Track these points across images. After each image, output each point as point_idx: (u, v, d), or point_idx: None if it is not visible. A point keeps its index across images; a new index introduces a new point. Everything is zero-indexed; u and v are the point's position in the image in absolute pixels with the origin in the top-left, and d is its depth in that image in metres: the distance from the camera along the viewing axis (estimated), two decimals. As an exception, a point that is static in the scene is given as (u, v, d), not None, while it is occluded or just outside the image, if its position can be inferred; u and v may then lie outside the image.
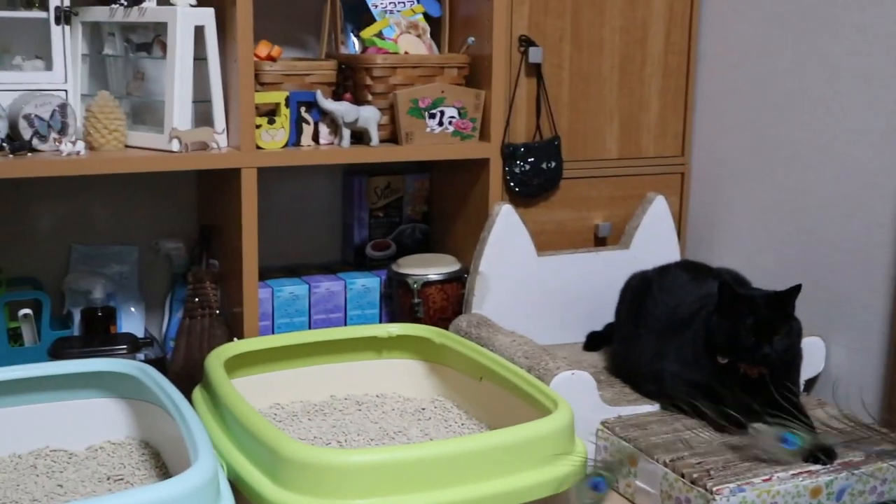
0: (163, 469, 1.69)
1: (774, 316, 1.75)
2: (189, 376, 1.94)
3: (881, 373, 1.91)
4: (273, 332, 2.13)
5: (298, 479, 1.42)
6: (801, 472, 1.62)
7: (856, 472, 1.65)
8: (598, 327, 2.19)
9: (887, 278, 1.90)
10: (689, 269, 1.98)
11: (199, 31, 1.88)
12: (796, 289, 1.76)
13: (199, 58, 1.90)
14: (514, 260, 2.10)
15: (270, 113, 1.97)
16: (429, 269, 2.15)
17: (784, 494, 1.59)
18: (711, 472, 1.60)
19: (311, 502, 1.40)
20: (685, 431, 1.76)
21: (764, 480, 1.59)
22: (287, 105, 1.97)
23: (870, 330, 1.94)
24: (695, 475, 1.59)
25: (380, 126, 2.06)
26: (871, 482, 1.67)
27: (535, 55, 2.12)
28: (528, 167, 2.15)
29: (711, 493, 1.55)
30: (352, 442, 1.80)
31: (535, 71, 2.14)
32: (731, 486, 1.56)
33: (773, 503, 1.59)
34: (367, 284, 2.22)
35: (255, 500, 1.46)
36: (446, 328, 2.05)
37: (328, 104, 2.00)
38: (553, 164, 2.17)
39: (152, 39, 1.94)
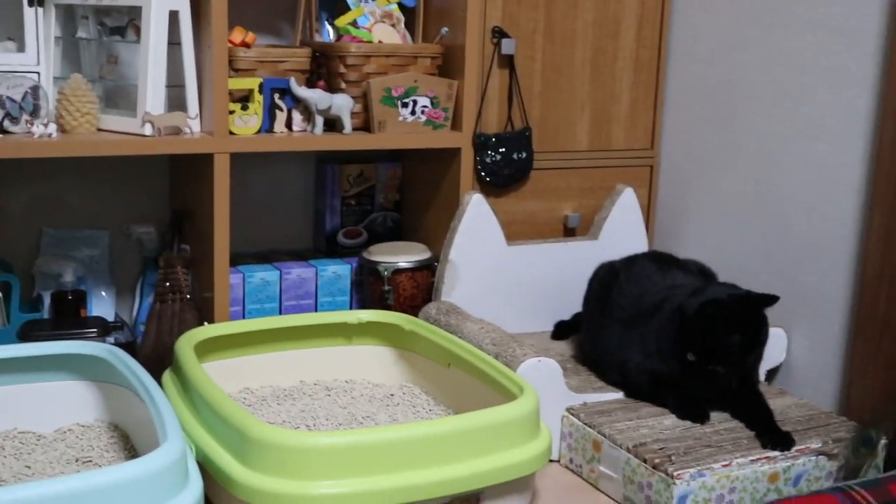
0: (132, 451, 1.70)
1: (756, 327, 1.77)
2: (159, 360, 1.95)
3: (840, 363, 1.95)
4: (244, 318, 2.14)
5: (266, 461, 1.43)
6: (759, 458, 1.65)
7: (812, 457, 1.69)
8: (567, 316, 2.21)
9: (847, 271, 1.94)
10: (655, 260, 2.01)
11: (173, 16, 1.89)
12: (774, 298, 1.77)
13: (174, 42, 1.91)
14: (483, 249, 2.13)
15: (244, 99, 1.98)
16: (399, 256, 2.17)
17: (743, 479, 1.63)
18: (673, 458, 1.63)
19: (278, 484, 1.42)
20: (649, 419, 1.79)
21: (723, 466, 1.62)
22: (260, 91, 1.98)
23: (830, 321, 1.98)
24: (656, 460, 1.63)
25: (353, 114, 2.07)
26: (828, 468, 1.71)
27: (507, 46, 2.14)
28: (499, 157, 2.17)
29: (672, 477, 1.59)
30: (320, 426, 1.82)
31: (508, 62, 2.17)
32: (692, 470, 1.60)
33: (733, 488, 1.63)
34: (338, 271, 2.24)
35: (223, 482, 1.48)
36: (416, 315, 2.07)
37: (301, 91, 2.01)
38: (524, 154, 2.20)
39: (126, 23, 1.95)
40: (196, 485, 1.38)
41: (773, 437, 1.71)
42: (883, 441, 1.73)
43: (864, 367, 1.88)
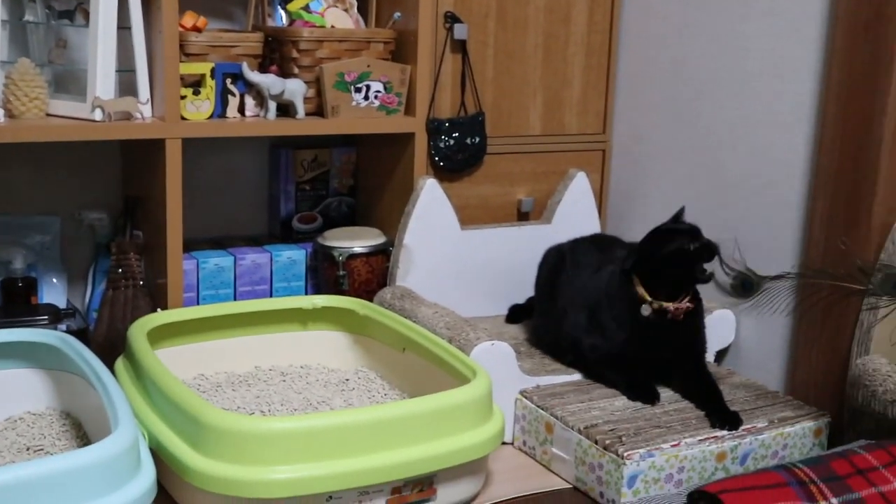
0: (84, 439, 1.69)
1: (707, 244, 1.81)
2: (112, 347, 1.94)
3: (786, 344, 2.00)
4: (198, 304, 2.14)
5: (219, 447, 1.44)
6: (707, 438, 1.69)
7: (759, 437, 1.73)
8: (521, 300, 2.24)
9: (793, 254, 1.98)
10: (600, 242, 2.04)
11: (122, 0, 1.87)
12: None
13: (124, 27, 1.89)
14: (437, 233, 2.14)
15: (195, 84, 1.97)
16: (354, 241, 2.17)
17: (691, 459, 1.66)
18: (623, 439, 1.66)
19: (231, 469, 1.43)
20: (600, 400, 1.82)
21: (672, 446, 1.65)
22: (212, 76, 1.97)
23: (777, 303, 2.02)
24: (607, 441, 1.65)
25: (306, 99, 2.07)
26: (773, 447, 1.75)
27: (460, 31, 2.15)
28: (452, 142, 2.18)
29: (622, 458, 1.61)
30: (275, 412, 1.82)
31: (461, 47, 2.17)
32: (641, 451, 1.63)
33: (681, 467, 1.66)
34: (293, 257, 2.24)
35: (176, 468, 1.48)
36: (371, 300, 2.08)
37: (254, 76, 2.01)
38: (477, 139, 2.21)
39: (75, 7, 1.93)
40: (148, 472, 1.38)
41: (722, 416, 1.74)
42: None
43: (808, 348, 1.92)
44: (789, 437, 1.77)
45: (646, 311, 1.80)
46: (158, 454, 1.51)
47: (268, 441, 1.43)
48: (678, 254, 1.80)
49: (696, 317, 1.86)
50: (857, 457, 1.56)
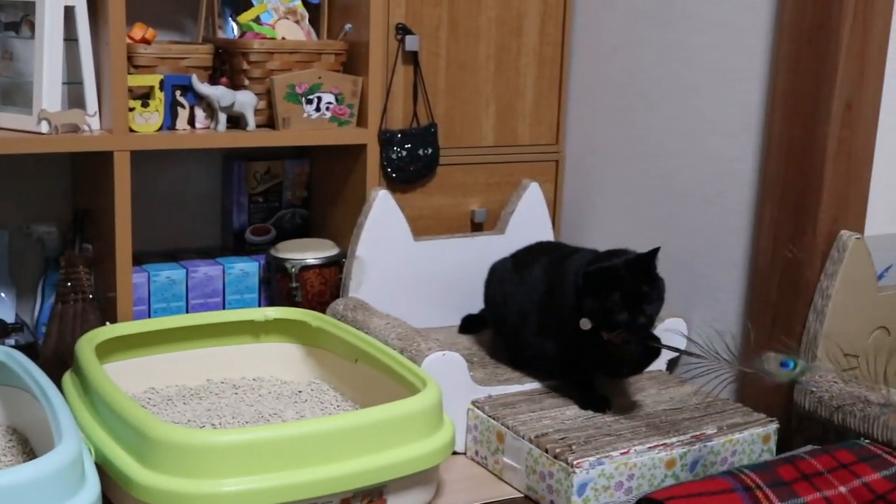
0: (31, 455, 1.67)
1: (641, 283, 1.75)
2: (61, 362, 1.92)
3: (736, 353, 2.01)
4: (150, 318, 2.12)
5: (165, 460, 1.43)
6: (657, 445, 1.70)
7: (708, 443, 1.74)
8: (475, 310, 2.24)
9: (742, 262, 2.00)
10: (547, 250, 2.04)
11: (69, 12, 1.86)
12: (655, 251, 1.76)
13: (70, 39, 1.88)
14: (390, 244, 2.14)
15: (144, 96, 1.96)
16: (307, 253, 2.17)
17: (641, 466, 1.67)
18: (573, 447, 1.67)
19: (178, 483, 1.41)
20: (552, 409, 1.83)
21: (622, 454, 1.66)
22: (161, 88, 1.96)
23: (727, 310, 2.04)
24: (557, 450, 1.66)
25: (257, 111, 2.07)
26: (722, 454, 1.76)
27: (411, 43, 2.15)
28: (404, 153, 2.18)
29: (572, 466, 1.62)
30: (226, 425, 1.81)
31: (412, 59, 2.18)
32: (591, 459, 1.63)
33: (631, 475, 1.67)
34: (246, 269, 2.23)
35: (122, 483, 1.47)
36: (324, 312, 2.08)
37: (204, 88, 2.00)
38: (430, 150, 2.21)
39: (20, 18, 1.91)
40: (93, 487, 1.37)
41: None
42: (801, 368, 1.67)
43: (758, 354, 1.94)
44: (738, 443, 1.78)
45: (585, 325, 1.77)
46: (105, 469, 1.49)
47: (213, 454, 1.42)
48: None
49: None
50: (803, 462, 1.58)
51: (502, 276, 2.05)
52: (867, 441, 1.65)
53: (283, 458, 1.45)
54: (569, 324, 1.80)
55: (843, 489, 1.53)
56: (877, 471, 1.56)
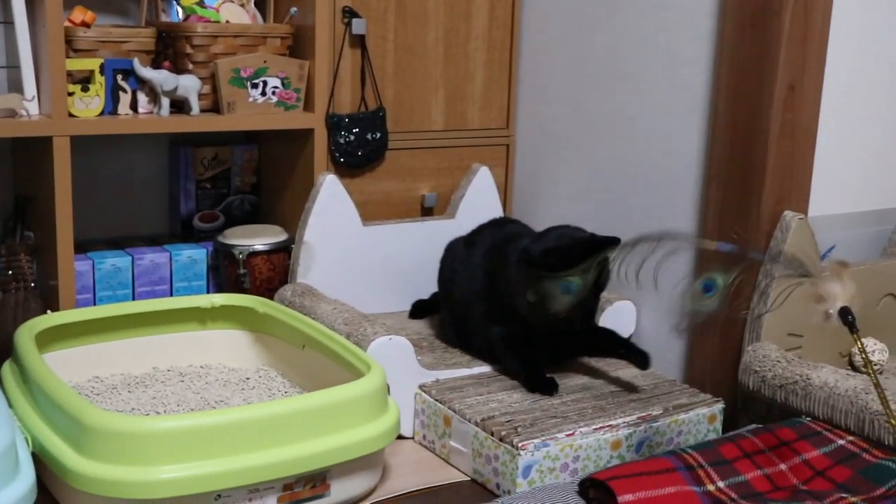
0: (-31, 445, 1.64)
1: (596, 270, 1.76)
2: (2, 351, 1.89)
3: (684, 333, 2.02)
4: (95, 306, 2.09)
5: (102, 449, 1.41)
6: (602, 427, 1.70)
7: (653, 424, 1.75)
8: (425, 295, 2.23)
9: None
10: (499, 227, 2.04)
11: (5, -5, 1.83)
12: (615, 240, 1.76)
13: (7, 21, 1.84)
14: (339, 230, 2.12)
15: (84, 80, 1.93)
16: (255, 239, 2.15)
17: (586, 448, 1.68)
18: (519, 430, 1.66)
19: (115, 471, 1.39)
20: (499, 393, 1.83)
21: (567, 435, 1.66)
22: (102, 72, 1.93)
23: (675, 292, 2.04)
24: (503, 433, 1.66)
25: (201, 96, 2.04)
26: (668, 434, 1.77)
27: (358, 26, 2.13)
28: (352, 138, 2.17)
29: (517, 448, 1.62)
30: (171, 412, 1.79)
31: (360, 42, 2.16)
32: (536, 441, 1.63)
33: (576, 456, 1.67)
34: (194, 256, 2.20)
35: (59, 472, 1.44)
36: (273, 298, 2.06)
37: (145, 72, 1.97)
38: (378, 135, 2.20)
39: (-44, 2, 1.87)
40: (27, 476, 1.34)
41: (635, 353, 1.85)
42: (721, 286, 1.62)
43: (704, 335, 1.95)
44: (684, 423, 1.79)
45: (531, 297, 1.78)
46: (42, 458, 1.47)
47: (150, 441, 1.40)
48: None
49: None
50: (746, 441, 1.59)
51: (454, 256, 2.05)
52: (809, 419, 1.66)
53: (221, 444, 1.44)
54: (515, 305, 1.80)
55: (783, 466, 1.54)
56: (817, 448, 1.58)
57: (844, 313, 1.26)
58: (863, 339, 1.92)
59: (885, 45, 1.98)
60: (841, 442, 1.59)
